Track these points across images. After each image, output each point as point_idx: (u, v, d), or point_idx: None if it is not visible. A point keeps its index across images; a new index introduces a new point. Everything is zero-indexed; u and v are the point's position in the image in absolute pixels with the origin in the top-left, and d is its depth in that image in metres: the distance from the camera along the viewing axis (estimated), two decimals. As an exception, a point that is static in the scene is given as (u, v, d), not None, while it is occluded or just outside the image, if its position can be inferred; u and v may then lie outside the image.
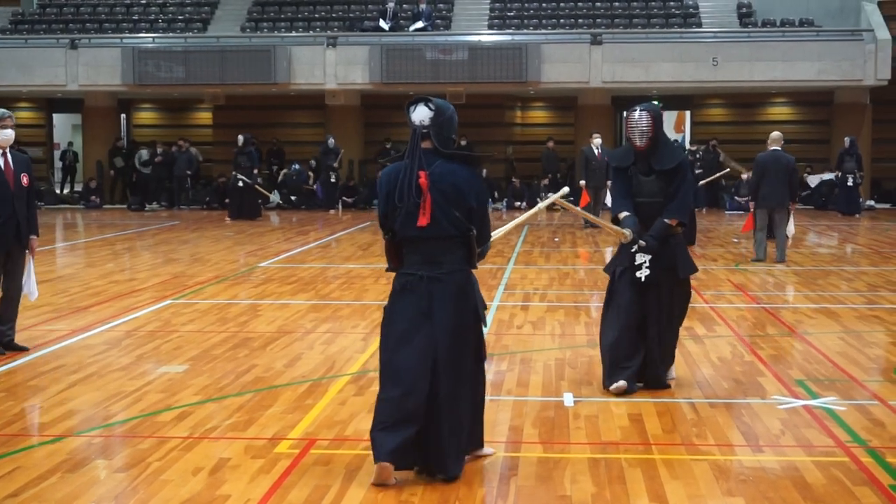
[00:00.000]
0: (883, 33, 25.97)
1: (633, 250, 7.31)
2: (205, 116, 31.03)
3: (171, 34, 29.23)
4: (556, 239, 19.06)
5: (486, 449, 5.79)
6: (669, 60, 26.22)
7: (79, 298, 11.70)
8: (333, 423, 6.53)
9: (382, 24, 28.10)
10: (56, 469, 5.63)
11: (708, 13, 29.62)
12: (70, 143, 31.86)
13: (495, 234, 5.98)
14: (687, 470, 5.64)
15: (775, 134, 15.03)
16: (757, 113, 29.31)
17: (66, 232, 21.77)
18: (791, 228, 15.06)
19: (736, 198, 26.52)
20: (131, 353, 8.70)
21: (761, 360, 8.44)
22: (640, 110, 7.27)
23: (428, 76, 26.45)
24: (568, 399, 7.13)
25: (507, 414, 6.74)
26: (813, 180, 27.44)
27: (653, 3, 30.00)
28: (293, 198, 27.73)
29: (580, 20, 29.29)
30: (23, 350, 8.67)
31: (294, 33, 28.73)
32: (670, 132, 29.20)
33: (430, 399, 5.37)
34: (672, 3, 29.96)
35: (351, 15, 30.24)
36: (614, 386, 7.24)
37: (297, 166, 27.96)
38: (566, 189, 7.18)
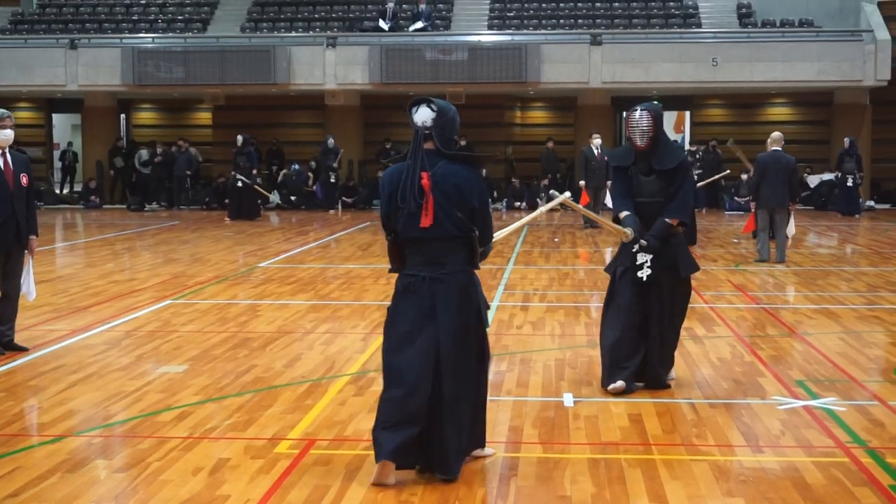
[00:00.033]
0: (883, 34, 25.98)
1: (634, 250, 7.32)
2: (204, 116, 31.03)
3: (170, 34, 29.23)
4: (556, 239, 19.06)
5: (487, 449, 5.79)
6: (669, 61, 26.22)
7: (78, 298, 11.70)
8: (333, 424, 6.53)
9: (382, 24, 28.10)
10: (56, 469, 5.63)
11: (708, 13, 29.63)
12: (70, 144, 31.86)
13: (498, 235, 5.98)
14: (687, 470, 5.64)
15: (776, 134, 15.03)
16: (757, 113, 29.31)
17: (66, 232, 21.77)
18: (791, 229, 15.06)
19: (736, 198, 26.53)
20: (131, 353, 8.70)
21: (761, 361, 8.44)
22: (641, 110, 7.27)
23: (428, 76, 26.45)
24: (568, 399, 7.13)
25: (507, 414, 6.74)
26: (813, 180, 27.45)
27: (652, 4, 30.01)
28: (293, 198, 27.73)
29: (580, 20, 29.29)
30: (23, 350, 8.66)
31: (294, 33, 28.73)
32: (670, 133, 29.19)
33: (433, 400, 5.38)
34: (672, 4, 29.97)
35: (350, 15, 30.25)
36: (612, 386, 7.24)
37: (296, 166, 27.96)
38: (567, 193, 7.18)
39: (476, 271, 5.61)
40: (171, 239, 19.32)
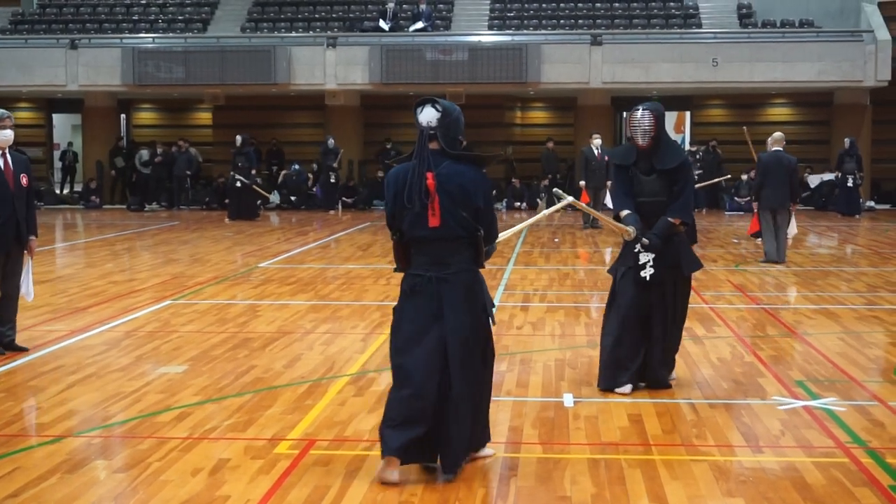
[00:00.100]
0: (883, 34, 25.97)
1: (636, 249, 7.31)
2: (205, 117, 31.03)
3: (170, 34, 29.24)
4: (556, 240, 19.06)
5: (487, 450, 5.80)
6: (669, 61, 26.22)
7: (78, 299, 11.70)
8: (333, 424, 6.53)
9: (382, 24, 28.10)
10: (55, 469, 5.62)
11: (708, 14, 29.63)
12: (70, 144, 31.87)
13: (503, 235, 6.01)
14: (687, 470, 5.64)
15: (777, 134, 15.03)
16: (757, 114, 29.30)
17: (66, 232, 21.77)
18: (793, 228, 15.08)
19: (736, 198, 26.53)
20: (131, 354, 8.70)
21: (761, 361, 8.43)
22: (643, 109, 7.26)
23: (428, 77, 26.46)
24: (568, 399, 7.13)
25: (507, 414, 6.74)
26: (813, 180, 27.45)
27: (653, 4, 30.01)
28: (293, 198, 27.73)
29: (580, 21, 29.30)
30: (22, 350, 8.66)
31: (294, 34, 28.73)
32: (670, 133, 29.17)
33: (440, 399, 5.41)
34: (672, 4, 29.97)
35: (351, 15, 30.25)
36: (619, 390, 7.25)
37: (296, 167, 27.96)
38: (571, 198, 7.21)
39: (481, 270, 5.63)
40: (170, 239, 19.31)
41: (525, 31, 28.48)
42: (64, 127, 33.32)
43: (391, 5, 28.53)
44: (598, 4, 30.20)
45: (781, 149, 14.81)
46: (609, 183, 19.75)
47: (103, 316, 10.55)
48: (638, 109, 7.29)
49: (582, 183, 21.15)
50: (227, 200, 25.12)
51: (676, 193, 7.29)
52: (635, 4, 30.05)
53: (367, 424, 6.49)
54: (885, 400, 7.17)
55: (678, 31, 28.22)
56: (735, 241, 18.67)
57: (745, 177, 25.86)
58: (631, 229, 7.27)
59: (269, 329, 9.86)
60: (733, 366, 8.26)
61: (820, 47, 26.09)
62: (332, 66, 26.94)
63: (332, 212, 26.66)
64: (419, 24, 27.96)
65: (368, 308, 11.07)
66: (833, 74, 25.91)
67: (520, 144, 29.69)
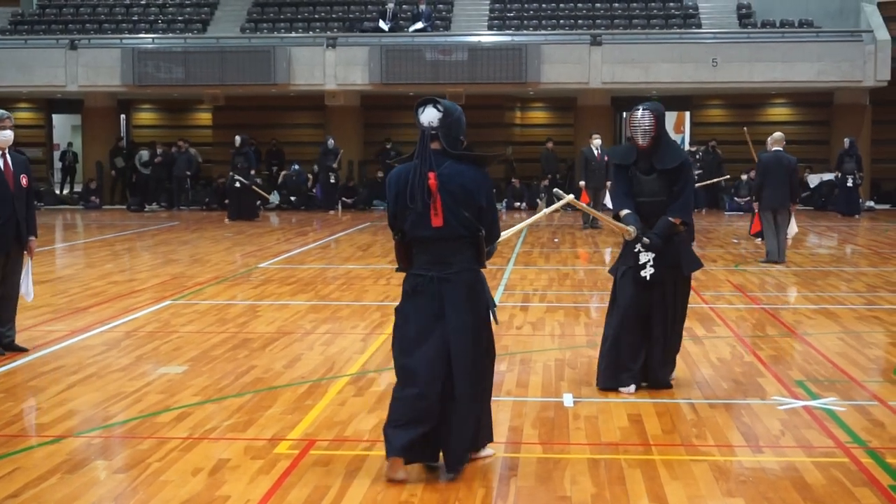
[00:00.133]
0: (882, 34, 25.98)
1: (636, 249, 7.32)
2: (204, 117, 31.03)
3: (170, 35, 29.24)
4: (556, 240, 19.06)
5: (487, 450, 5.80)
6: (669, 61, 26.22)
7: (78, 299, 11.70)
8: (333, 424, 6.53)
9: (382, 24, 28.10)
10: (56, 470, 5.63)
11: (707, 14, 29.63)
12: (70, 144, 31.87)
13: (505, 234, 6.02)
14: (687, 471, 5.64)
15: (777, 135, 15.02)
16: (757, 114, 29.30)
17: (66, 232, 21.77)
18: (794, 228, 15.09)
19: (736, 198, 26.53)
20: (131, 354, 8.70)
21: (761, 361, 8.43)
22: (643, 109, 7.26)
23: (427, 77, 26.46)
24: (568, 399, 7.13)
25: (507, 414, 6.74)
26: (813, 180, 27.45)
27: (652, 4, 30.01)
28: (293, 198, 27.73)
29: (580, 21, 29.30)
30: (22, 351, 8.66)
31: (294, 34, 28.73)
32: (670, 133, 29.17)
33: (444, 399, 5.42)
34: (672, 4, 29.97)
35: (350, 16, 30.25)
36: (623, 389, 7.25)
37: (296, 167, 27.96)
38: (572, 196, 7.23)
39: (482, 270, 5.64)
40: (170, 239, 19.31)
41: (525, 32, 28.48)
42: (64, 127, 33.31)
43: (391, 5, 28.53)
44: (598, 4, 30.20)
45: (781, 149, 14.81)
46: (609, 183, 19.76)
47: (103, 316, 10.55)
48: (638, 109, 7.30)
49: (582, 183, 21.15)
50: (226, 201, 25.12)
51: (676, 193, 7.29)
52: (635, 4, 30.05)
53: (367, 424, 6.50)
54: (885, 400, 7.17)
55: (678, 31, 28.23)
56: (735, 241, 18.68)
57: (744, 177, 25.86)
58: (632, 229, 7.27)
59: (269, 329, 9.86)
60: (733, 366, 8.26)
61: (819, 47, 26.10)
62: (331, 66, 26.94)
63: (331, 212, 26.67)
64: (419, 25, 27.96)
65: (368, 308, 11.07)
66: (833, 74, 25.92)
67: (519, 144, 29.68)
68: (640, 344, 7.35)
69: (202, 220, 24.13)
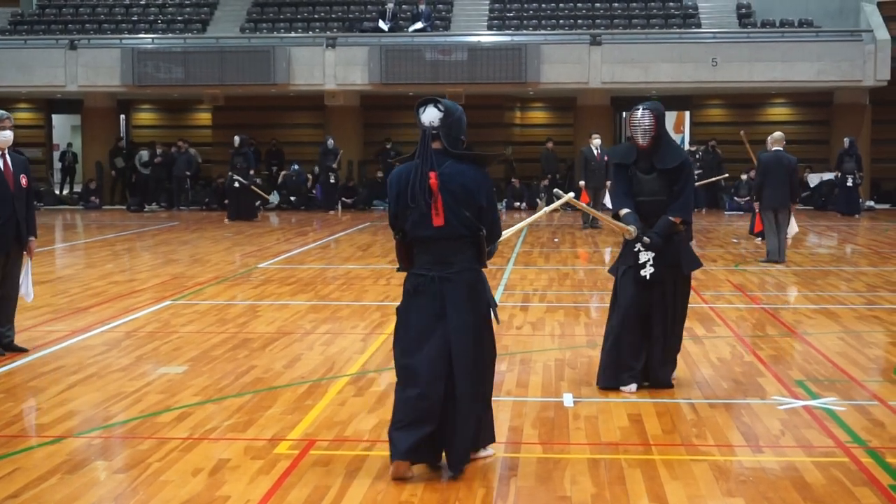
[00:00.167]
0: (882, 34, 25.98)
1: (636, 248, 7.32)
2: (204, 117, 31.03)
3: (170, 35, 29.24)
4: (556, 240, 19.06)
5: (487, 450, 5.80)
6: (669, 61, 26.22)
7: (78, 299, 11.70)
8: (333, 424, 6.53)
9: (382, 24, 28.10)
10: (56, 470, 5.63)
11: (707, 14, 29.63)
12: (69, 144, 31.87)
13: (505, 234, 6.03)
14: (687, 470, 5.64)
15: (777, 134, 15.02)
16: (756, 113, 29.30)
17: (66, 233, 21.77)
18: (794, 227, 15.09)
19: (736, 198, 26.53)
20: (131, 354, 8.70)
21: (761, 361, 8.43)
22: (643, 109, 7.26)
23: (427, 77, 26.46)
24: (568, 399, 7.13)
25: (507, 414, 6.74)
26: (813, 179, 27.46)
27: (652, 4, 30.01)
28: (292, 199, 27.73)
29: (579, 21, 29.30)
30: (22, 351, 8.66)
31: (293, 34, 28.73)
32: (670, 132, 29.16)
33: (446, 399, 5.43)
34: (671, 4, 29.97)
35: (350, 16, 30.24)
36: (625, 389, 7.26)
37: (296, 167, 27.96)
38: (572, 194, 7.24)
39: (483, 269, 5.65)
40: (170, 240, 19.31)
41: (524, 32, 28.48)
42: (63, 127, 33.31)
43: (390, 5, 28.52)
44: (598, 4, 30.20)
45: (781, 148, 14.81)
46: (608, 183, 19.77)
47: (103, 316, 10.55)
48: (638, 109, 7.30)
49: (581, 183, 21.15)
50: (226, 201, 25.12)
51: (677, 193, 7.29)
52: (634, 4, 30.05)
53: (368, 424, 6.50)
54: (885, 399, 7.17)
55: (677, 30, 28.23)
56: (735, 240, 18.68)
57: (744, 176, 25.86)
58: (632, 228, 7.28)
59: (269, 329, 9.86)
60: (733, 365, 8.26)
61: (819, 47, 26.10)
62: (331, 66, 26.94)
63: (331, 212, 26.67)
64: (418, 25, 27.96)
65: (368, 308, 11.07)
66: (832, 74, 25.92)
67: (519, 144, 29.69)
68: (642, 343, 7.35)
69: (202, 221, 24.13)
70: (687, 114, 30.49)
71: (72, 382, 7.67)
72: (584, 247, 17.75)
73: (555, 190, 7.51)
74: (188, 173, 28.06)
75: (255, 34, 29.10)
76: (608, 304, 7.71)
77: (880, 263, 15.33)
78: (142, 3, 31.41)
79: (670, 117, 30.74)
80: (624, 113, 28.91)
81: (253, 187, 23.95)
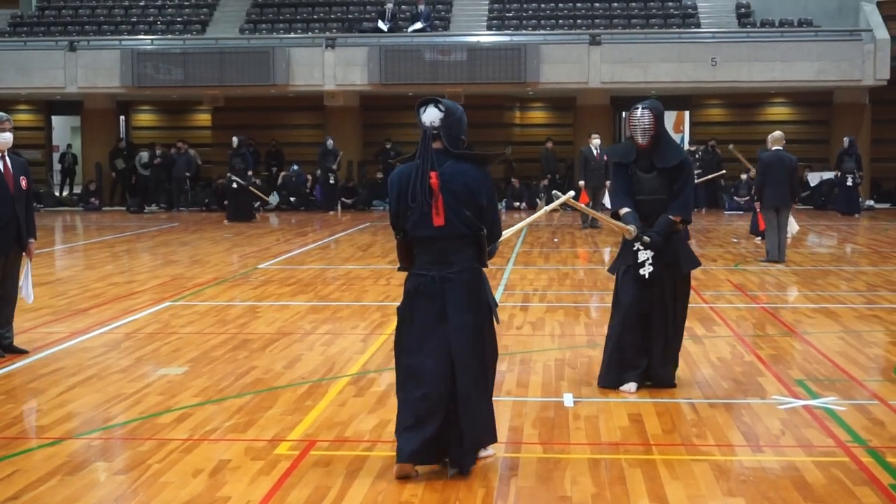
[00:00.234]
0: (882, 33, 25.98)
1: (635, 248, 7.32)
2: (204, 118, 31.03)
3: (169, 36, 29.24)
4: (556, 239, 19.06)
5: (487, 450, 5.80)
6: (668, 61, 26.22)
7: (78, 301, 11.70)
8: (333, 425, 6.53)
9: (381, 25, 28.10)
10: (56, 472, 5.62)
11: (706, 13, 29.62)
12: (69, 146, 31.86)
13: (505, 234, 6.04)
14: (687, 470, 5.63)
15: (777, 133, 15.02)
16: (756, 113, 29.30)
17: (66, 234, 21.77)
18: (794, 227, 15.09)
19: (735, 198, 26.53)
20: (131, 355, 8.70)
21: (761, 361, 8.43)
22: (643, 108, 7.26)
23: (427, 77, 26.45)
24: (568, 399, 7.13)
25: (507, 414, 6.74)
26: (813, 179, 27.46)
27: (651, 4, 30.01)
28: (292, 199, 27.73)
29: (579, 21, 29.30)
30: (22, 352, 8.66)
31: (293, 35, 28.73)
32: (670, 132, 29.15)
33: (449, 399, 5.44)
34: (670, 4, 29.97)
35: (349, 16, 30.24)
36: (625, 388, 7.25)
37: (296, 168, 27.95)
38: (571, 192, 7.25)
39: (484, 269, 5.65)
40: (170, 241, 19.31)
41: (524, 32, 28.47)
42: (63, 129, 33.30)
43: (390, 6, 28.52)
44: (597, 4, 30.20)
45: (781, 148, 14.81)
46: (608, 183, 19.75)
47: (103, 318, 10.54)
48: (637, 108, 7.30)
49: (581, 183, 21.15)
50: (225, 202, 25.12)
51: (677, 192, 7.29)
52: (634, 4, 30.04)
53: (368, 425, 6.50)
54: (885, 399, 7.17)
55: (677, 30, 28.22)
56: (735, 240, 18.68)
57: (744, 176, 25.84)
58: (632, 227, 7.27)
59: (269, 330, 9.86)
60: (733, 365, 8.26)
61: (819, 47, 26.09)
62: (330, 66, 26.94)
63: (331, 213, 26.67)
64: (418, 25, 27.96)
65: (368, 308, 11.07)
66: (832, 74, 25.92)
67: (519, 144, 29.68)
68: (643, 342, 7.35)
69: (202, 222, 24.13)
70: (686, 113, 30.49)
71: (72, 384, 7.67)
72: (584, 247, 17.75)
73: (554, 192, 7.51)
74: (188, 174, 28.06)
75: (255, 35, 29.10)
76: (608, 304, 7.72)
77: (880, 263, 15.33)
78: (141, 4, 31.41)
79: (670, 117, 30.74)
80: (623, 113, 28.91)
81: (251, 188, 23.95)
